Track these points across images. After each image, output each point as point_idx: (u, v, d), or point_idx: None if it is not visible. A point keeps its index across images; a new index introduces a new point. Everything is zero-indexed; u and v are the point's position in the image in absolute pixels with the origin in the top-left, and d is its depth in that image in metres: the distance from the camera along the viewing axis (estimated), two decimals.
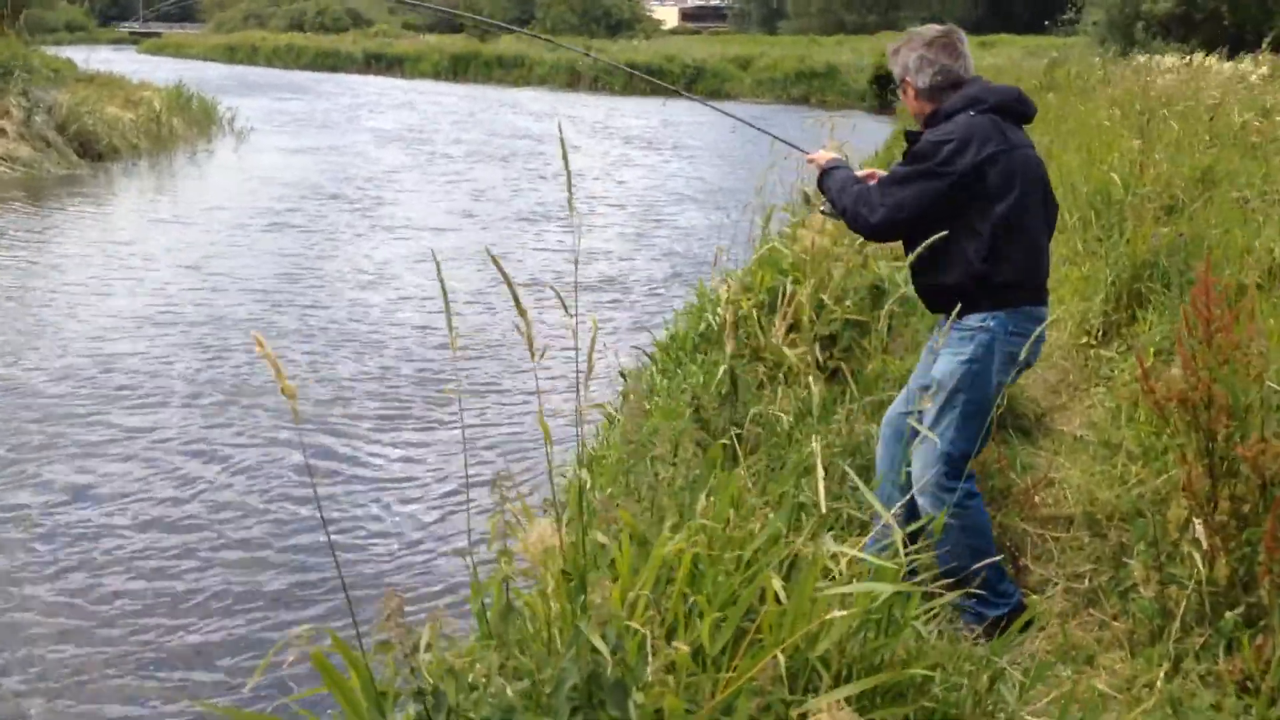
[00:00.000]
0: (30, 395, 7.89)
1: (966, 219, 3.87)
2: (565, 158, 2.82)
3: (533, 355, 2.49)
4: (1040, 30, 55.74)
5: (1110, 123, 10.90)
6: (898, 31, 40.08)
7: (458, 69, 57.73)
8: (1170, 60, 19.70)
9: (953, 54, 4.08)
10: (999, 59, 34.26)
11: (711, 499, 2.98)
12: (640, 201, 17.70)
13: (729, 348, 4.91)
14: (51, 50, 40.17)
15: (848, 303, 5.28)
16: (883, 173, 4.27)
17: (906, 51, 4.13)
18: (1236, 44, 27.73)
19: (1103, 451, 5.06)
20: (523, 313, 2.43)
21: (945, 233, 3.69)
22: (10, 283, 11.16)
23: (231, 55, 73.75)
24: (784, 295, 5.37)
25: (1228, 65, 18.14)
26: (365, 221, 15.22)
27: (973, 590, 3.57)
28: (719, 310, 5.84)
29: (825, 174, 4.33)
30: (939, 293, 4.07)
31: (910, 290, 4.73)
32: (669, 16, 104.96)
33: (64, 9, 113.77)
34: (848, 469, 3.17)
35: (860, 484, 3.13)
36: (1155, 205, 7.31)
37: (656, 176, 21.08)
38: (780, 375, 5.28)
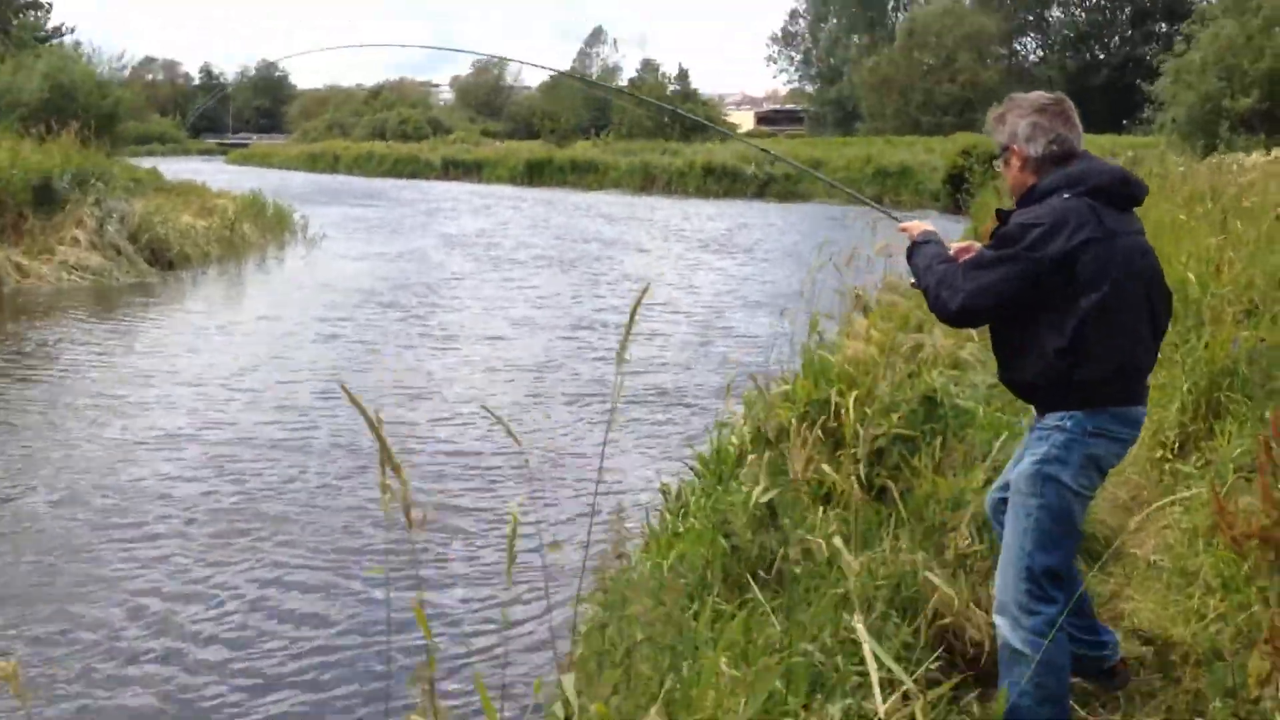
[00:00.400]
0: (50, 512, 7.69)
1: (1052, 309, 3.58)
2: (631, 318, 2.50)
3: (409, 525, 2.11)
4: (1118, 129, 55.41)
5: (1186, 218, 10.42)
6: (974, 132, 40.09)
7: (533, 174, 58.51)
8: (1255, 157, 19.12)
9: (1067, 123, 3.78)
10: None
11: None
12: (705, 306, 17.32)
13: (762, 468, 4.56)
14: (145, 161, 41.49)
15: (896, 416, 4.89)
16: (978, 246, 3.98)
17: (1015, 117, 3.82)
18: None
19: (1178, 581, 4.58)
20: (397, 469, 2.06)
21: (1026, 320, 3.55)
22: (39, 395, 11.04)
23: (314, 164, 75.50)
24: (829, 408, 5.01)
25: None
26: (416, 330, 14.96)
27: None
28: (758, 424, 5.51)
29: (914, 248, 4.05)
30: (1020, 387, 3.84)
31: (965, 402, 4.48)
32: (745, 120, 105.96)
33: (157, 122, 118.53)
34: (858, 624, 2.72)
35: (868, 641, 2.66)
36: (1235, 308, 6.86)
37: (724, 280, 20.72)
38: (823, 494, 4.90)
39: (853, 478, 4.67)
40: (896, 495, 4.72)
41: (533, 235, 28.60)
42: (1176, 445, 6.12)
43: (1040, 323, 3.60)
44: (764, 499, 4.37)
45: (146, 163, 37.42)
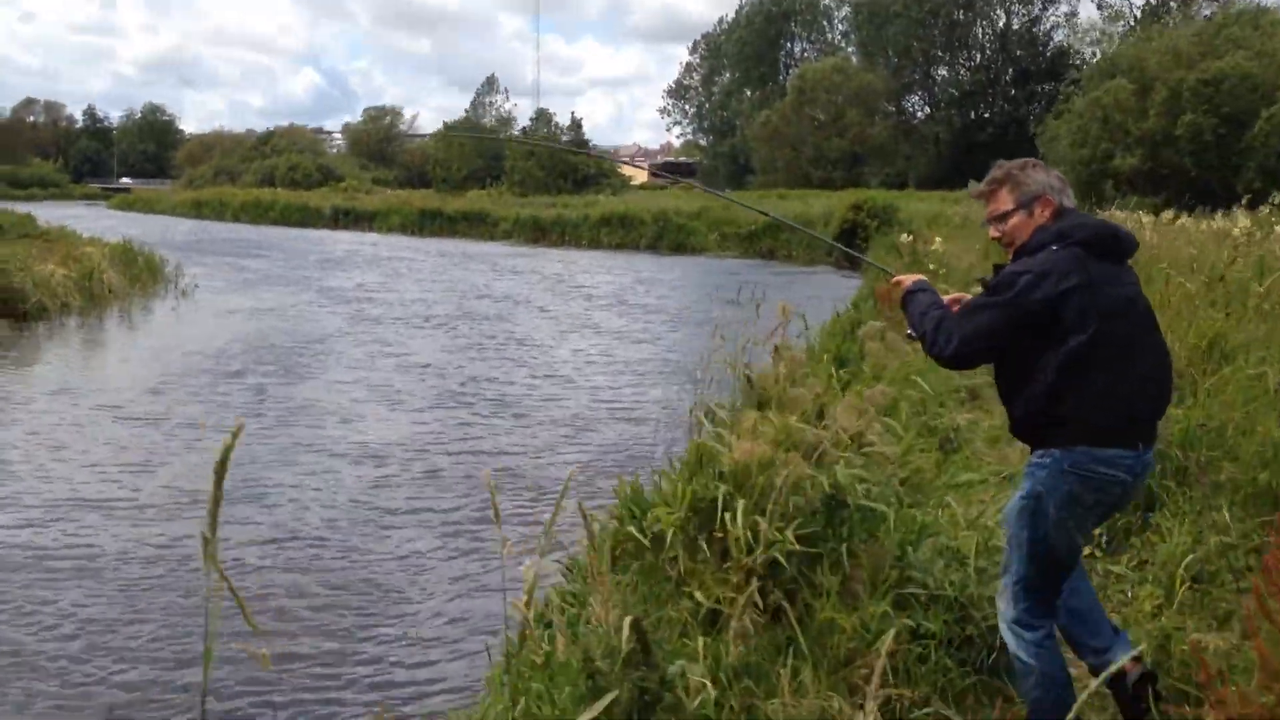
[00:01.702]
0: None
1: (1039, 352, 3.81)
2: None
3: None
4: None
5: None
6: (864, 188, 40.30)
7: (425, 224, 57.52)
8: (1146, 219, 18.95)
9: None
10: (967, 212, 33.90)
11: None
12: (591, 378, 15.82)
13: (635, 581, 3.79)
14: (22, 206, 39.83)
15: (793, 527, 4.10)
16: (968, 297, 4.26)
17: (1041, 173, 4.09)
18: (1204, 199, 27.43)
19: None
20: None
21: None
22: None
23: (199, 210, 73.59)
24: (716, 512, 4.22)
25: (1211, 223, 17.47)
26: (260, 402, 13.40)
27: None
28: (631, 529, 4.70)
29: (909, 296, 4.25)
30: (1014, 424, 4.04)
31: (874, 503, 3.82)
32: (638, 173, 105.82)
33: (39, 165, 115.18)
34: None
35: None
36: None
37: (615, 344, 19.31)
38: (707, 615, 4.13)
39: (742, 598, 3.91)
40: (794, 620, 3.96)
41: (419, 290, 27.46)
42: (1104, 539, 5.45)
43: (1030, 365, 3.83)
44: (634, 626, 3.55)
45: (24, 208, 36.00)
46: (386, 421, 12.58)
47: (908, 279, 4.36)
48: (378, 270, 32.92)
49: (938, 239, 22.20)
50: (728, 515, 4.13)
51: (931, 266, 17.44)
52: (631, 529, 4.66)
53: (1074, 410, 3.77)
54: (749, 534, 4.02)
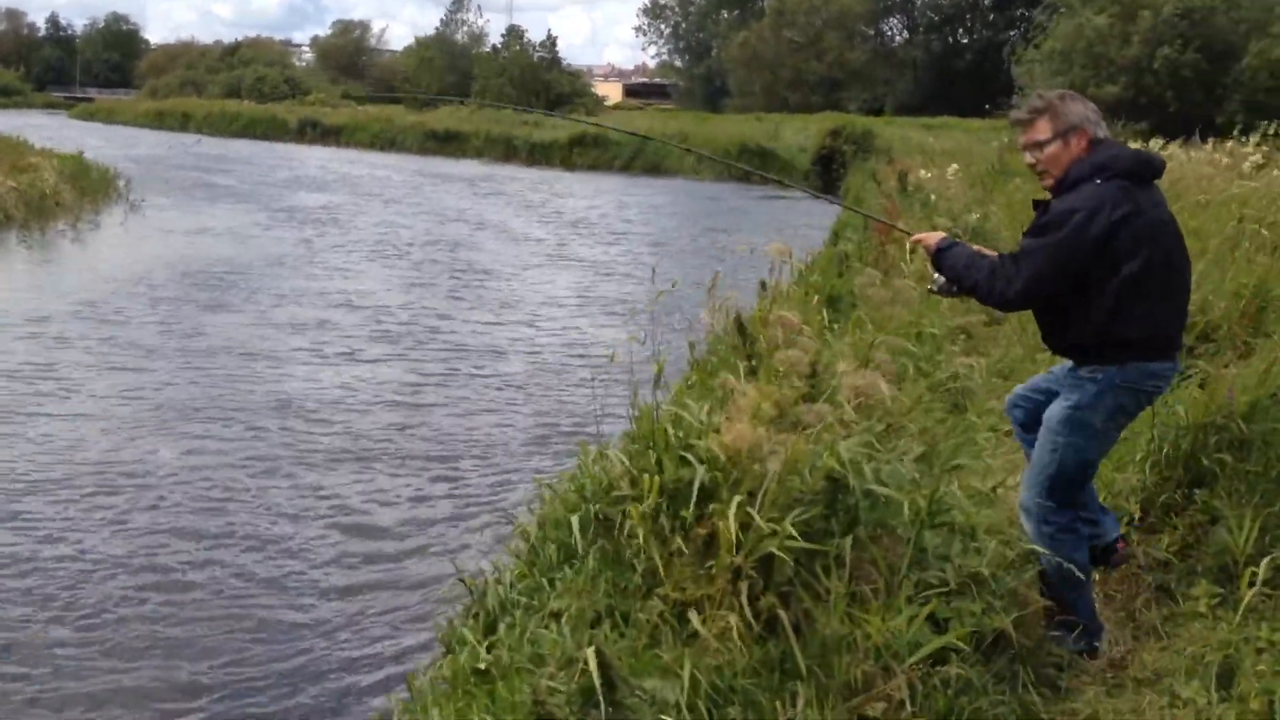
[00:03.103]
0: None
1: (1094, 281, 3.97)
2: None
3: None
4: (982, 113, 55.29)
5: None
6: (842, 112, 39.41)
7: (395, 140, 56.09)
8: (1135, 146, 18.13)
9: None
10: (946, 142, 33.03)
11: None
12: (558, 318, 14.45)
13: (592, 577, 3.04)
14: None
15: (790, 517, 3.31)
16: (989, 251, 4.36)
17: (1079, 105, 4.18)
18: (1183, 131, 26.64)
19: None
20: None
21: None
22: None
23: (161, 121, 71.81)
24: (692, 497, 3.43)
25: (1199, 153, 16.76)
26: (179, 332, 12.20)
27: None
28: (594, 507, 3.91)
29: (943, 252, 4.34)
30: (1065, 348, 4.21)
31: (884, 488, 3.10)
32: (613, 92, 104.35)
33: (0, 73, 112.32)
34: None
35: None
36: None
37: (586, 278, 17.94)
38: (683, 620, 3.38)
39: (731, 604, 3.18)
40: (789, 632, 3.22)
41: (382, 211, 26.22)
42: (1138, 516, 4.71)
43: (1085, 294, 3.98)
44: (593, 662, 2.80)
45: None
46: (318, 367, 11.13)
47: (930, 236, 4.45)
48: (341, 189, 31.67)
49: (922, 171, 21.40)
50: (713, 505, 3.38)
51: (919, 200, 16.67)
52: (594, 508, 3.89)
53: (1132, 330, 3.97)
54: (738, 528, 3.26)
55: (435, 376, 10.91)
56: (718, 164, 42.03)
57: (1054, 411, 4.11)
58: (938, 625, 3.47)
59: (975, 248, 4.39)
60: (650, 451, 3.75)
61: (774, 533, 3.27)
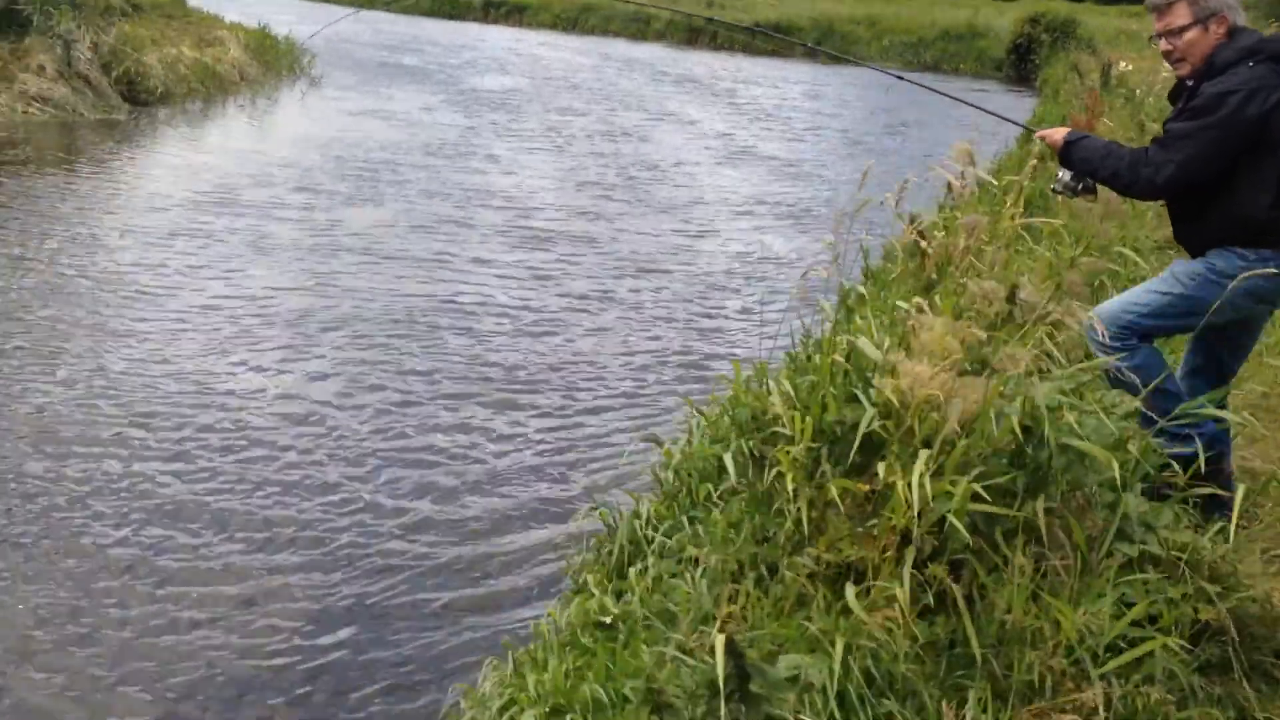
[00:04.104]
0: None
1: (1249, 166, 3.91)
2: None
3: None
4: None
5: None
6: None
7: (579, 20, 55.35)
8: None
9: None
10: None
11: None
12: (731, 219, 13.53)
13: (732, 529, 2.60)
14: None
15: (970, 476, 2.80)
16: (1103, 139, 4.31)
17: None
18: None
19: None
20: None
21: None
22: None
23: None
24: (853, 442, 2.94)
25: None
26: (321, 220, 11.90)
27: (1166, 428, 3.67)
28: (747, 436, 3.42)
29: (1072, 146, 4.29)
30: (1207, 237, 4.08)
31: (1085, 444, 2.56)
32: None
33: None
34: None
35: None
36: None
37: (763, 176, 16.69)
38: (835, 585, 2.91)
39: (889, 575, 2.72)
40: (964, 612, 2.73)
41: (559, 96, 25.41)
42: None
43: (1239, 179, 3.92)
44: (728, 661, 2.37)
45: None
46: (453, 274, 10.38)
47: (1057, 131, 4.39)
48: (520, 72, 31.07)
49: (1123, 62, 19.88)
50: (883, 458, 2.89)
51: (1123, 94, 15.49)
52: (747, 443, 3.43)
53: None
54: (907, 485, 2.77)
55: (587, 283, 10.22)
56: (899, 51, 40.47)
57: (1183, 265, 4.10)
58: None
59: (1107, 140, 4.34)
60: (815, 386, 3.26)
61: (950, 493, 2.77)
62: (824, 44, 43.30)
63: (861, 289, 5.92)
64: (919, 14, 46.05)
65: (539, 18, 57.68)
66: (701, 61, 38.40)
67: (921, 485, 2.71)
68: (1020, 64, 35.48)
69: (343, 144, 16.83)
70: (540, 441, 6.80)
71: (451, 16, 61.10)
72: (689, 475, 4.02)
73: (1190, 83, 4.15)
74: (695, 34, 48.51)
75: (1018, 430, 2.88)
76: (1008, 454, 2.96)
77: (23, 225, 10.79)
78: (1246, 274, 3.84)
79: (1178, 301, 4.01)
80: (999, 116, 5.39)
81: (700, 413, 4.48)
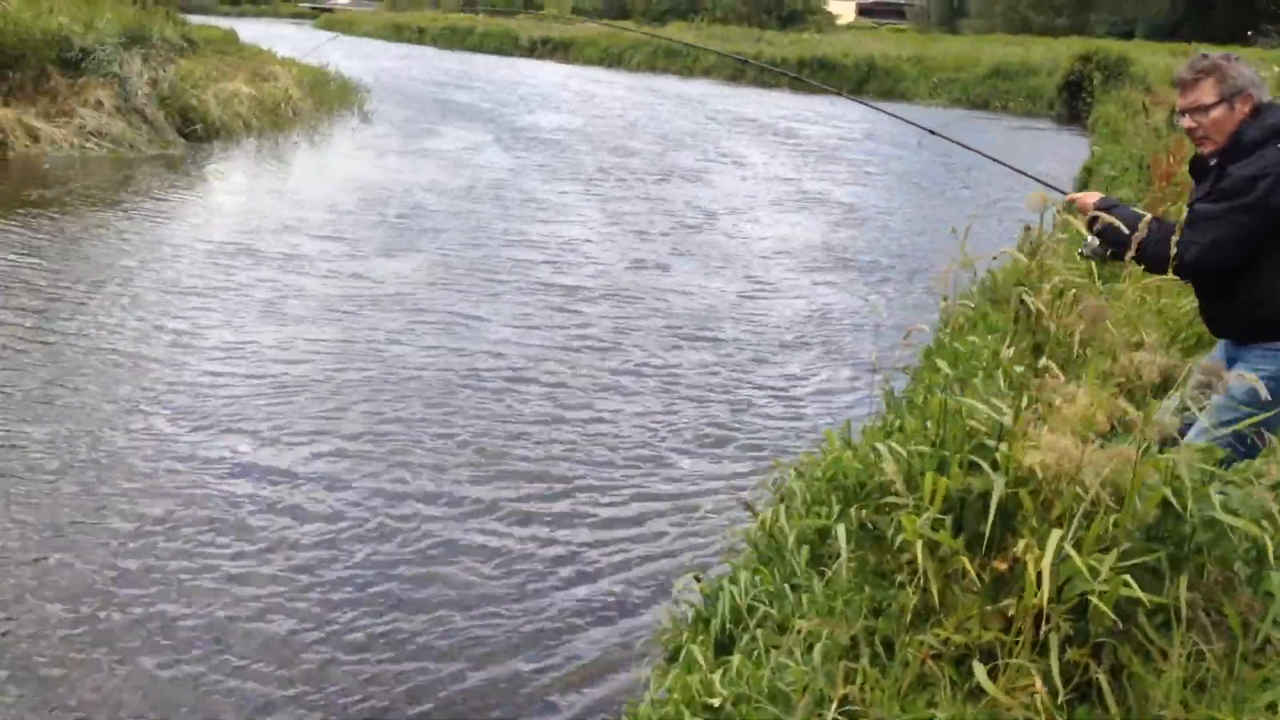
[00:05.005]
0: None
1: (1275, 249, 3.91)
2: None
3: None
4: (1243, 40, 51.72)
5: None
6: (1086, 36, 37.01)
7: (623, 57, 55.71)
8: None
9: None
10: None
11: None
12: (798, 266, 12.80)
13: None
14: (233, 22, 40.00)
15: (1113, 557, 2.59)
16: (1148, 215, 4.09)
17: (1245, 67, 4.11)
18: None
19: None
20: None
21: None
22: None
23: (398, 33, 73.67)
24: (987, 515, 2.74)
25: None
26: (353, 269, 11.42)
27: None
28: (855, 503, 3.23)
29: (1104, 212, 4.08)
30: (1251, 328, 4.04)
31: (1236, 518, 2.38)
32: (845, 11, 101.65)
33: None
34: None
35: None
36: None
37: (831, 221, 15.91)
38: (962, 666, 2.73)
39: (1025, 657, 2.54)
40: (1111, 703, 2.55)
41: (614, 135, 25.08)
42: None
43: (1267, 264, 3.91)
44: None
45: (234, 23, 35.90)
46: (486, 331, 9.65)
47: (1089, 196, 4.39)
48: (570, 109, 31.04)
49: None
50: (1018, 538, 2.70)
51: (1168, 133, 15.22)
52: (861, 511, 3.25)
53: None
54: (1041, 568, 2.58)
55: (636, 351, 9.34)
56: (947, 88, 40.30)
57: (1240, 387, 3.65)
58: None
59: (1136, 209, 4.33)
60: (934, 448, 3.08)
61: (1094, 572, 2.59)
62: (869, 83, 43.26)
63: (959, 345, 5.70)
64: (967, 51, 45.99)
65: (584, 53, 58.23)
66: (750, 99, 38.31)
67: (1069, 560, 2.54)
68: (1072, 101, 35.23)
69: (387, 187, 16.56)
70: (616, 504, 6.46)
71: (499, 51, 61.83)
72: (786, 538, 3.83)
73: (1214, 161, 4.15)
74: (742, 70, 48.64)
75: (1169, 502, 2.68)
76: (1146, 528, 2.78)
77: (63, 263, 10.77)
78: None
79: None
80: (1037, 180, 5.31)
81: (799, 473, 4.28)
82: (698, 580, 4.15)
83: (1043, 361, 3.00)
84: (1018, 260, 3.89)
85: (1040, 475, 2.71)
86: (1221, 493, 2.81)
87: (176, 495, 6.12)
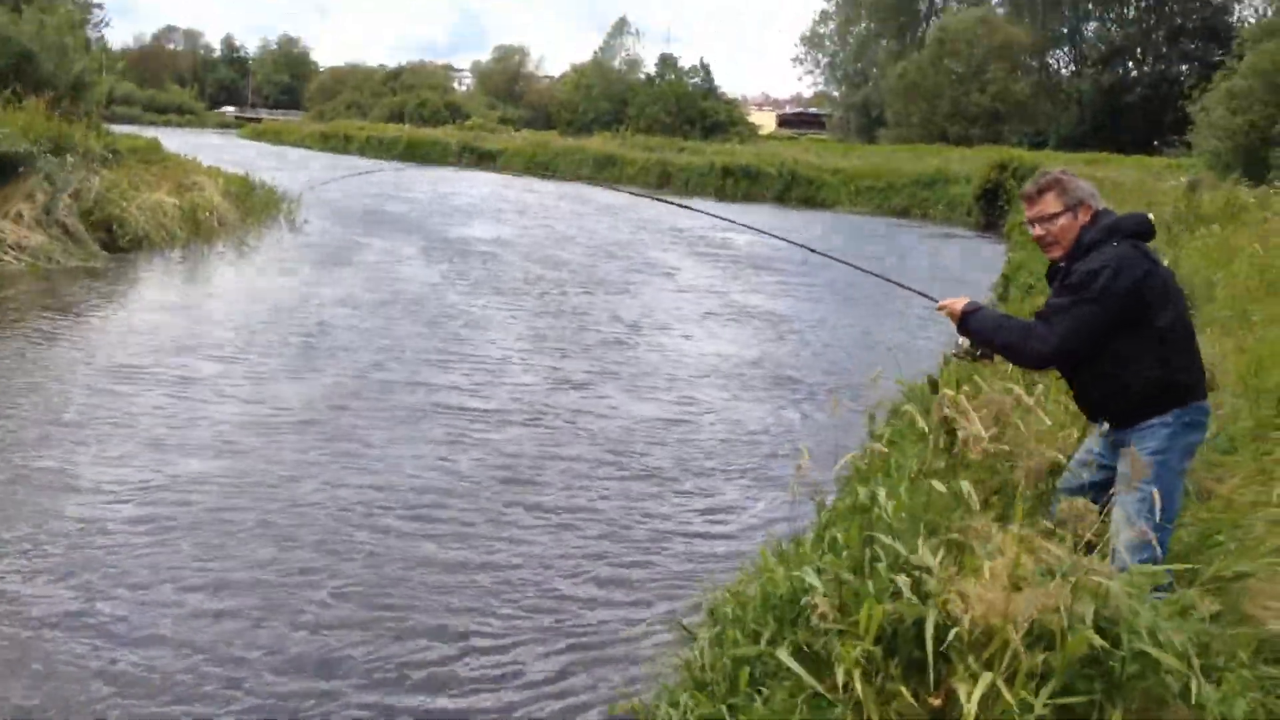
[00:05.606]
0: None
1: (1133, 335, 4.28)
2: None
3: None
4: (1149, 149, 53.45)
5: None
6: (1001, 146, 38.12)
7: (549, 165, 56.45)
8: None
9: None
10: (1114, 174, 31.49)
11: None
12: (723, 381, 12.43)
13: None
14: (159, 131, 39.76)
15: (1045, 692, 2.58)
16: (998, 311, 4.75)
17: (1082, 180, 4.58)
18: None
19: None
20: None
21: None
22: None
23: (325, 142, 73.92)
24: (929, 651, 2.72)
25: None
26: (266, 392, 10.64)
27: None
28: (793, 639, 3.22)
29: (969, 316, 4.61)
30: (1119, 410, 4.37)
31: (1169, 659, 2.41)
32: (766, 121, 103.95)
33: (177, 92, 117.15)
34: None
35: None
36: None
37: (756, 334, 15.69)
38: None
39: None
40: None
41: (541, 246, 24.94)
42: None
43: (1125, 350, 4.30)
44: None
45: (158, 132, 35.56)
46: (408, 457, 9.03)
47: (956, 302, 4.69)
48: (496, 220, 30.99)
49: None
50: (954, 678, 2.71)
51: None
52: (795, 635, 3.24)
53: (1183, 373, 4.30)
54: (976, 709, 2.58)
55: (559, 477, 8.78)
56: (868, 196, 41.22)
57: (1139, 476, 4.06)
58: None
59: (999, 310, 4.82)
60: (858, 576, 3.09)
61: (1028, 706, 2.60)
62: (793, 190, 44.13)
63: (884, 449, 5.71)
64: (886, 161, 47.15)
65: (511, 162, 58.89)
66: (678, 209, 38.49)
67: (998, 699, 2.54)
68: (989, 209, 36.16)
69: (304, 301, 15.79)
70: (546, 627, 6.04)
71: (425, 160, 62.25)
72: (720, 659, 3.79)
73: (1063, 264, 4.51)
74: (667, 178, 49.43)
75: (1094, 640, 2.70)
76: (1081, 658, 2.80)
77: None
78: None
79: (1168, 487, 4.16)
80: (910, 289, 5.56)
81: (731, 593, 4.23)
82: (629, 704, 4.09)
83: (965, 487, 3.03)
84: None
85: (967, 626, 2.72)
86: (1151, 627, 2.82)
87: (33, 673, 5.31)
